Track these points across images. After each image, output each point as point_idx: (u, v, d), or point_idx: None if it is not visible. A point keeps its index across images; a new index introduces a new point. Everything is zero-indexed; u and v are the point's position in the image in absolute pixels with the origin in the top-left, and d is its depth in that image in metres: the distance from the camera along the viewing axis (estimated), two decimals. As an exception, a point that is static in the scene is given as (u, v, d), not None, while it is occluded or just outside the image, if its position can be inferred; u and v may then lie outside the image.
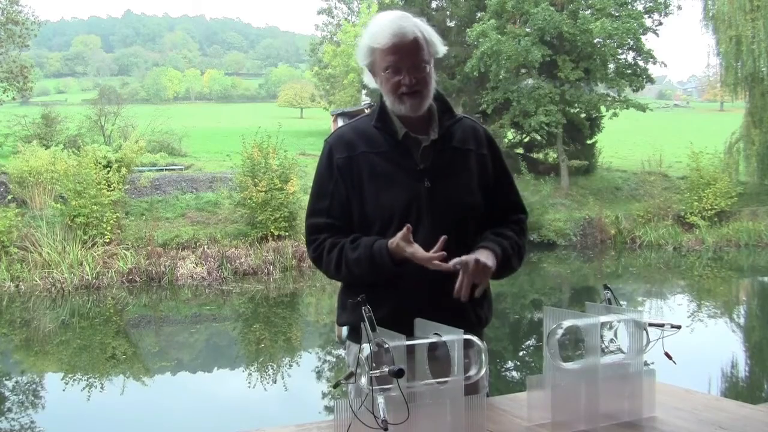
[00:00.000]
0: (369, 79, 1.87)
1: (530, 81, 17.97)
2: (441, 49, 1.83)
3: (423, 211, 1.76)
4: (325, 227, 1.82)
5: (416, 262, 1.67)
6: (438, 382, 1.41)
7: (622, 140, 25.28)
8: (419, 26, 1.78)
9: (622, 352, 1.63)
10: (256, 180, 12.94)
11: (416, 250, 1.66)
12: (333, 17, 37.89)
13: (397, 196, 1.77)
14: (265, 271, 12.25)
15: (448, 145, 1.84)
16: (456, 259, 1.67)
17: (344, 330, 1.93)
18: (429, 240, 1.73)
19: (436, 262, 1.66)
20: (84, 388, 6.84)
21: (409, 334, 1.41)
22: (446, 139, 1.84)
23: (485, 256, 1.72)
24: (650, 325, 1.62)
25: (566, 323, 1.55)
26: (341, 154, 1.83)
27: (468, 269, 1.68)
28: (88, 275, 11.16)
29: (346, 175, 1.81)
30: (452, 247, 1.73)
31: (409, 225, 1.67)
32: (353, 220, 1.82)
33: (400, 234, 1.67)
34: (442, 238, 1.66)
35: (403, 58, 1.74)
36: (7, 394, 6.81)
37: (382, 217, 1.78)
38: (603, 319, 1.59)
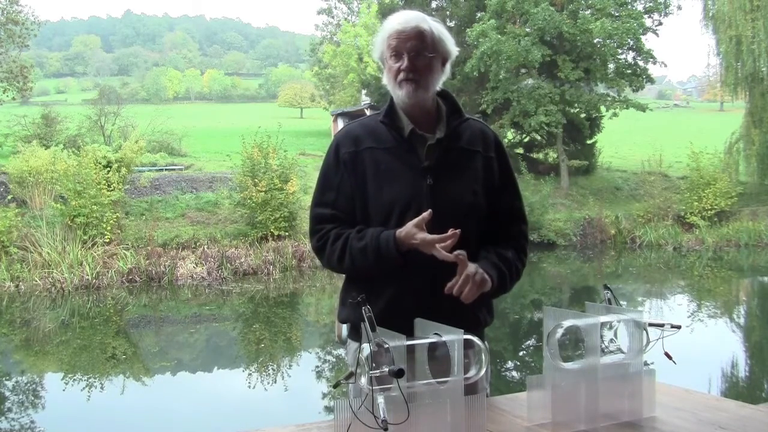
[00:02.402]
0: (385, 78, 1.89)
1: (530, 81, 17.97)
2: (453, 50, 1.86)
3: (423, 208, 1.76)
4: (330, 218, 1.84)
5: (422, 250, 1.68)
6: (438, 382, 1.41)
7: (622, 140, 25.29)
8: (429, 22, 1.83)
9: (622, 352, 1.63)
10: (256, 180, 12.94)
11: (426, 235, 1.68)
12: (333, 17, 37.92)
13: (399, 192, 1.78)
14: (265, 271, 12.25)
15: (454, 145, 1.85)
16: (459, 252, 1.67)
17: (344, 329, 1.93)
18: None
19: (440, 248, 1.66)
20: (84, 388, 6.84)
21: (407, 331, 1.41)
22: (453, 138, 1.85)
23: (486, 274, 1.73)
24: (650, 325, 1.61)
25: (566, 323, 1.55)
26: (347, 149, 1.85)
27: (466, 272, 1.68)
28: (88, 275, 11.16)
29: (351, 170, 1.82)
30: (452, 246, 1.75)
31: (430, 210, 1.69)
32: (356, 214, 1.83)
33: (415, 219, 1.69)
34: (455, 231, 1.67)
35: (404, 42, 1.78)
36: (7, 394, 6.81)
37: (383, 212, 1.79)
38: (603, 319, 1.59)
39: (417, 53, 1.78)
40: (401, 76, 1.79)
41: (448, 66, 1.86)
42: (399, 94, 1.81)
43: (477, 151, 1.87)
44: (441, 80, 1.86)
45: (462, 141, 1.86)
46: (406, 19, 1.81)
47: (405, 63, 1.78)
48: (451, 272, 1.79)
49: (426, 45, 1.79)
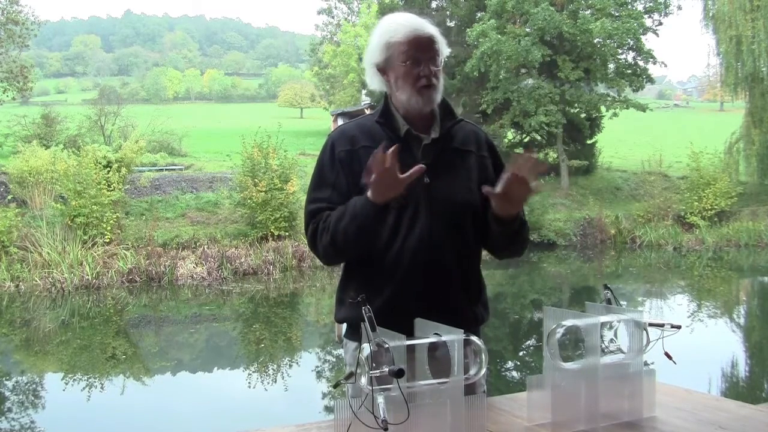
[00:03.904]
0: (372, 80, 1.89)
1: (530, 81, 17.97)
2: (446, 51, 1.87)
3: (420, 207, 1.78)
4: (326, 210, 1.82)
5: (383, 177, 1.61)
6: (438, 382, 1.41)
7: (622, 140, 25.30)
8: (431, 26, 1.84)
9: (622, 352, 1.63)
10: (256, 180, 12.94)
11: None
12: (333, 17, 37.97)
13: None
14: (265, 271, 12.25)
15: (448, 145, 1.87)
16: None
17: (344, 328, 1.93)
18: (426, 236, 1.77)
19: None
20: (84, 388, 6.84)
21: (405, 331, 1.41)
22: (447, 139, 1.87)
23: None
24: (650, 325, 1.61)
25: (566, 323, 1.54)
26: (343, 147, 1.85)
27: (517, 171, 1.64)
28: (88, 275, 11.16)
29: (347, 168, 1.82)
30: (449, 244, 1.77)
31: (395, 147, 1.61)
32: None
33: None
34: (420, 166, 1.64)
35: (423, 50, 1.79)
36: (7, 394, 6.81)
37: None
38: (603, 319, 1.59)
39: (433, 59, 1.80)
40: (422, 82, 1.78)
41: None
42: (419, 101, 1.80)
43: (470, 151, 1.89)
44: None
45: (456, 141, 1.88)
46: (416, 24, 1.80)
47: (427, 69, 1.78)
48: (448, 272, 1.80)
49: (439, 50, 1.81)
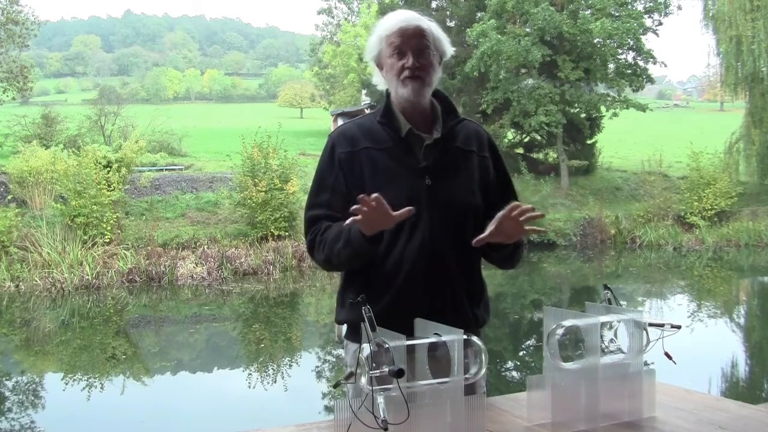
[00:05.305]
0: (377, 78, 1.89)
1: (530, 81, 17.96)
2: (448, 50, 1.87)
3: (423, 208, 1.76)
4: (324, 218, 1.81)
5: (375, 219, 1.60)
6: (438, 382, 1.41)
7: (622, 140, 25.29)
8: (426, 20, 1.84)
9: (622, 352, 1.63)
10: (256, 180, 12.94)
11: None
12: (333, 17, 37.98)
13: (398, 193, 1.76)
14: (265, 271, 12.24)
15: (450, 145, 1.85)
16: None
17: (344, 329, 1.93)
18: (427, 237, 1.76)
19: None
20: (84, 388, 6.84)
21: (406, 332, 1.41)
22: (449, 138, 1.85)
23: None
24: (650, 325, 1.61)
25: (566, 323, 1.55)
26: (343, 148, 1.83)
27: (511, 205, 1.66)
28: (88, 275, 11.16)
29: (347, 170, 1.80)
30: (450, 246, 1.76)
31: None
32: None
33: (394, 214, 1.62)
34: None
35: (407, 40, 1.78)
36: (7, 394, 6.81)
37: None
38: (603, 319, 1.59)
39: (420, 51, 1.78)
40: (406, 73, 1.78)
41: (440, 65, 1.87)
42: (402, 93, 1.79)
43: (472, 151, 1.88)
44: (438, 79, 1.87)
45: (458, 141, 1.87)
46: (406, 17, 1.81)
47: (410, 61, 1.77)
48: (450, 274, 1.80)
49: (428, 43, 1.80)
